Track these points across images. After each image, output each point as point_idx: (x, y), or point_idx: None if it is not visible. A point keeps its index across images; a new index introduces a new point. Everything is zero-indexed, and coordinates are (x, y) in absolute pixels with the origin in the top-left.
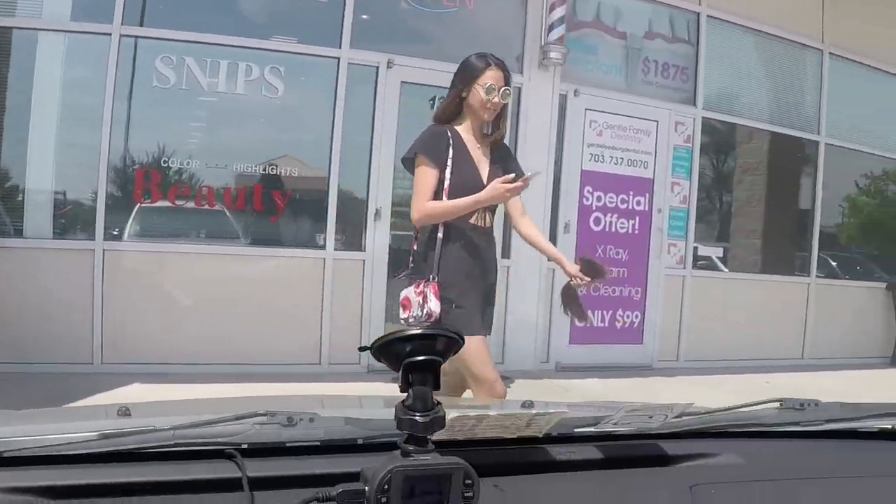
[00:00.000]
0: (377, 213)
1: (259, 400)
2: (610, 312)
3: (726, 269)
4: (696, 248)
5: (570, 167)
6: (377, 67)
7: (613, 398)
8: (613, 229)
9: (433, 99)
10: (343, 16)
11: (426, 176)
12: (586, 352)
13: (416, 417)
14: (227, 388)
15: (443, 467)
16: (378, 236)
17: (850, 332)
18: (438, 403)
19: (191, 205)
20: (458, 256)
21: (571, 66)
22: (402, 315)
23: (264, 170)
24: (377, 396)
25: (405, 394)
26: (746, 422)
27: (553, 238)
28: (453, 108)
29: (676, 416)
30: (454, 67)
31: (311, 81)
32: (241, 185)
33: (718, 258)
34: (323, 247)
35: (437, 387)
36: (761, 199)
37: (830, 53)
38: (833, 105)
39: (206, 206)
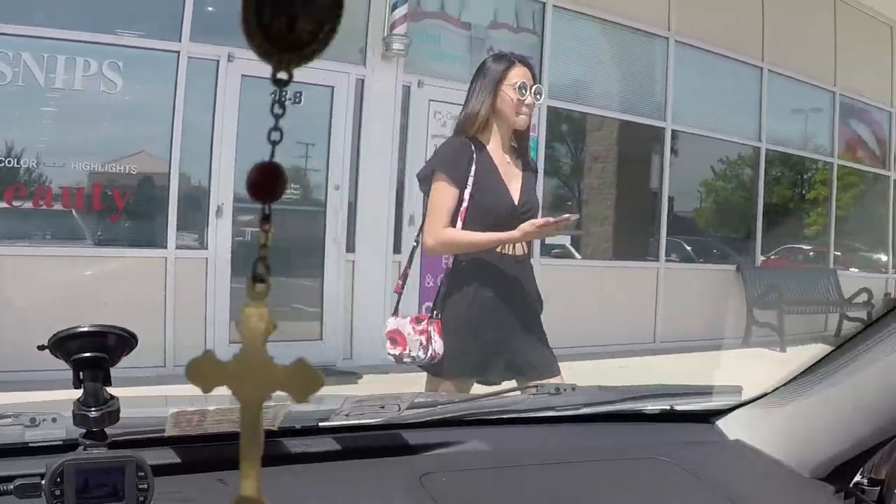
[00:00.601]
0: (219, 211)
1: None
2: None
3: (579, 256)
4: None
5: (414, 159)
6: (217, 61)
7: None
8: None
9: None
10: (183, 9)
11: (445, 196)
12: None
13: (88, 413)
14: (70, 393)
15: (114, 460)
16: (221, 234)
17: (702, 314)
18: (112, 398)
19: (29, 205)
20: (472, 291)
21: (415, 57)
22: (391, 350)
23: (105, 168)
24: (140, 396)
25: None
26: (498, 409)
27: (398, 231)
28: (480, 118)
29: (426, 406)
30: None
31: (150, 76)
32: (81, 185)
33: (571, 246)
34: (164, 246)
35: (107, 382)
36: (612, 187)
37: (676, 41)
38: (679, 92)
39: (45, 207)
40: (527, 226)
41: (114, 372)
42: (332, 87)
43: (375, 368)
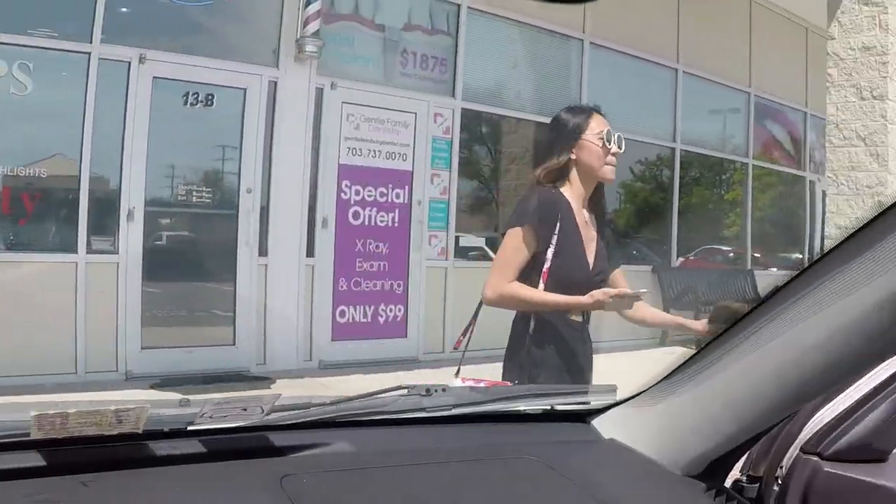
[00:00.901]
0: (130, 214)
1: None
2: (372, 307)
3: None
4: (457, 239)
5: (327, 162)
6: (129, 63)
7: None
8: (373, 223)
9: (186, 95)
10: (95, 10)
11: (519, 250)
12: (350, 348)
13: None
14: None
15: None
16: (132, 238)
17: (615, 315)
18: None
19: None
20: (544, 357)
21: (328, 59)
22: None
23: (15, 172)
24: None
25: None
26: (367, 410)
27: (311, 234)
28: (556, 172)
29: (292, 408)
30: (208, 62)
31: (60, 78)
32: None
33: (489, 248)
34: (75, 250)
35: None
36: (527, 188)
37: (591, 43)
38: (594, 94)
39: None
40: (599, 294)
41: (23, 380)
42: (245, 89)
43: (289, 373)
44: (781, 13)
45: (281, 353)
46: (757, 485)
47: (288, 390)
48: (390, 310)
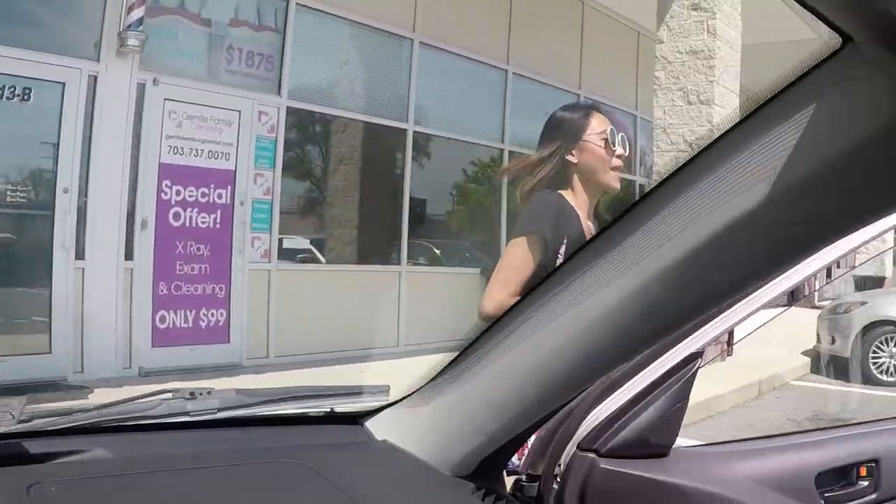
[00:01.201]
0: None
1: None
2: (193, 312)
3: (324, 261)
4: (281, 241)
5: (148, 160)
6: None
7: None
8: (194, 224)
9: (2, 88)
10: None
11: (528, 261)
12: (170, 354)
13: None
14: None
15: None
16: None
17: (444, 317)
18: None
19: None
20: None
21: (151, 54)
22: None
23: None
24: None
25: None
26: (128, 415)
27: (130, 236)
28: (551, 179)
29: (47, 414)
30: (26, 54)
31: None
32: None
33: (318, 250)
34: None
35: None
36: (356, 189)
37: (421, 43)
38: (423, 93)
39: None
40: None
41: None
42: (63, 83)
43: (108, 382)
44: (613, 16)
45: (99, 361)
46: (537, 483)
47: (106, 399)
48: (212, 314)
